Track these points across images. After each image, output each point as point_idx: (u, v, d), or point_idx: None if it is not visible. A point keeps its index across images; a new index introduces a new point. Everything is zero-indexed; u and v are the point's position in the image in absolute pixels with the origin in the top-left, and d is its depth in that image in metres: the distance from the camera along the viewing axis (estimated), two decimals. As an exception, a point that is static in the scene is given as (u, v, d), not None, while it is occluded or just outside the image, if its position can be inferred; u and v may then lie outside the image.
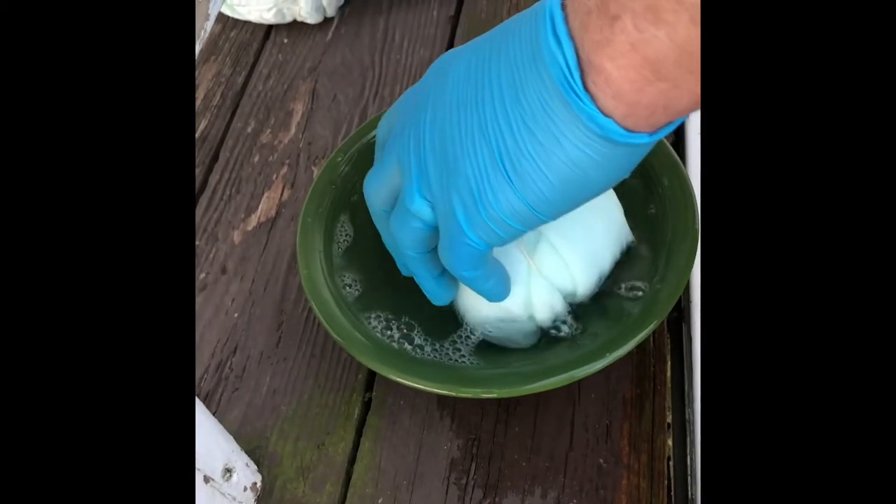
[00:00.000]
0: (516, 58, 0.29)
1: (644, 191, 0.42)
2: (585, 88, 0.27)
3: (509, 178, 0.30)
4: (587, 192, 0.30)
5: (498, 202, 0.30)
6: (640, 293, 0.38)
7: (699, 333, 0.43)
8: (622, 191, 0.40)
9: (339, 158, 0.44)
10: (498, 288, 0.35)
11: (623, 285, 0.39)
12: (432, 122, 0.32)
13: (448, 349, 0.38)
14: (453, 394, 0.35)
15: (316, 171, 0.52)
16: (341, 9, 0.62)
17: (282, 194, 0.52)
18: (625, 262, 0.40)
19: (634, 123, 0.28)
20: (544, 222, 0.31)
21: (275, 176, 0.53)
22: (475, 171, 0.30)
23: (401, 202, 0.34)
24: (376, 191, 0.36)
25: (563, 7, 0.28)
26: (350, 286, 0.41)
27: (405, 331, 0.39)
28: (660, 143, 0.42)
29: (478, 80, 0.30)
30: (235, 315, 0.46)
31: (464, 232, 0.32)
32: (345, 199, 0.44)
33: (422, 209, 0.33)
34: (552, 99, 0.28)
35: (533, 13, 0.29)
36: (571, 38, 0.27)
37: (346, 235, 0.43)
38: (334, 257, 0.42)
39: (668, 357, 0.42)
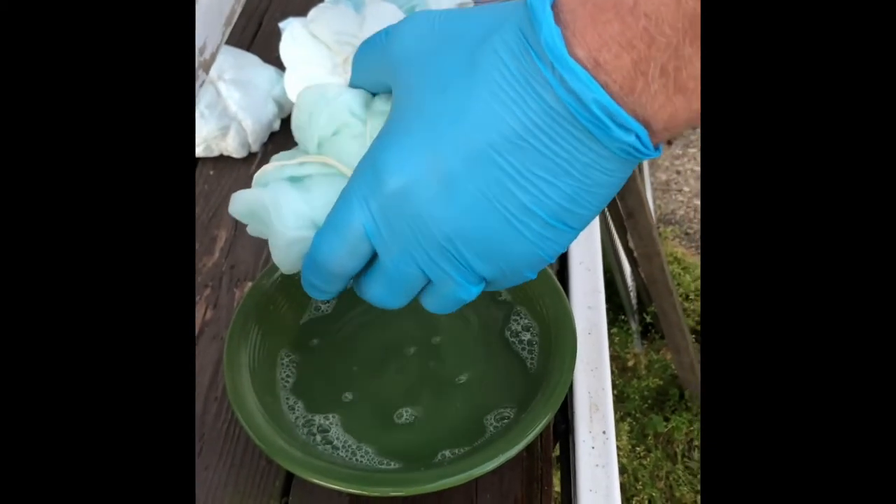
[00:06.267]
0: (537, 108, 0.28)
1: (530, 312, 0.49)
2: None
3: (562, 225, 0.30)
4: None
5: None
6: (524, 409, 0.44)
7: (581, 440, 0.50)
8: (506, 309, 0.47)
9: (265, 281, 0.49)
10: None
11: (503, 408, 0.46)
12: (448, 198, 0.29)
13: (363, 450, 0.43)
14: (365, 493, 0.39)
15: (238, 293, 0.57)
16: (264, 145, 0.69)
17: (205, 314, 0.56)
18: (513, 379, 0.47)
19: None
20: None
21: (199, 297, 0.57)
22: (525, 244, 0.30)
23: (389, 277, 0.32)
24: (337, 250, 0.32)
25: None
26: (273, 397, 0.45)
27: (325, 433, 0.44)
28: (544, 273, 0.49)
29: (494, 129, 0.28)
30: (158, 427, 0.49)
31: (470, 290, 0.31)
32: (272, 319, 0.49)
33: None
34: (582, 134, 0.28)
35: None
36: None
37: (265, 349, 0.48)
38: (258, 372, 0.46)
39: (555, 462, 0.48)
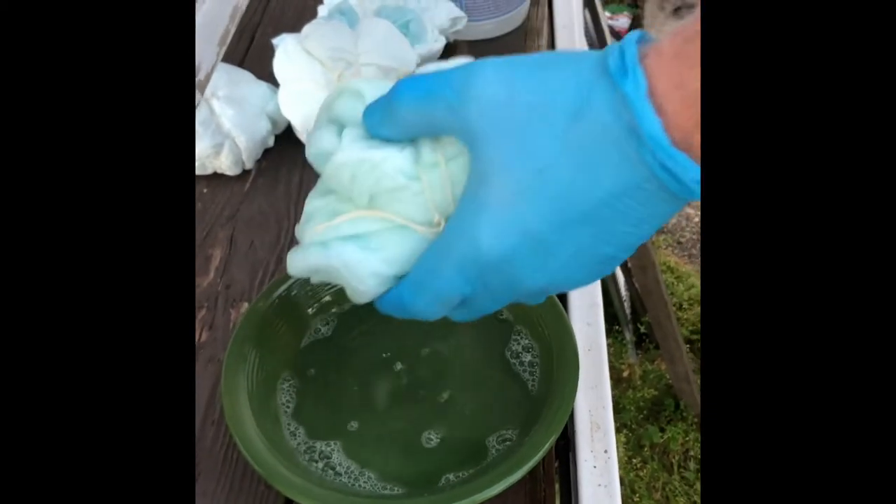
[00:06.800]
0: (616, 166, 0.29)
1: (531, 333, 0.49)
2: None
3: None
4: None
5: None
6: (527, 431, 0.44)
7: (582, 460, 0.49)
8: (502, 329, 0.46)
9: (262, 304, 0.49)
10: None
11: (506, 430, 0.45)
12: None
13: (366, 476, 0.43)
14: (367, 520, 0.39)
15: (234, 314, 0.56)
16: (258, 162, 0.68)
17: (200, 336, 0.55)
18: (514, 401, 0.46)
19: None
20: None
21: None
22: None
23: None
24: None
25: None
26: (273, 422, 0.45)
27: (327, 459, 0.43)
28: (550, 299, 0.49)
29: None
30: (154, 452, 0.48)
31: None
32: (270, 343, 0.48)
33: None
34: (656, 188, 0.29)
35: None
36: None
37: (263, 372, 0.47)
38: (257, 395, 0.45)
39: (557, 481, 0.48)
